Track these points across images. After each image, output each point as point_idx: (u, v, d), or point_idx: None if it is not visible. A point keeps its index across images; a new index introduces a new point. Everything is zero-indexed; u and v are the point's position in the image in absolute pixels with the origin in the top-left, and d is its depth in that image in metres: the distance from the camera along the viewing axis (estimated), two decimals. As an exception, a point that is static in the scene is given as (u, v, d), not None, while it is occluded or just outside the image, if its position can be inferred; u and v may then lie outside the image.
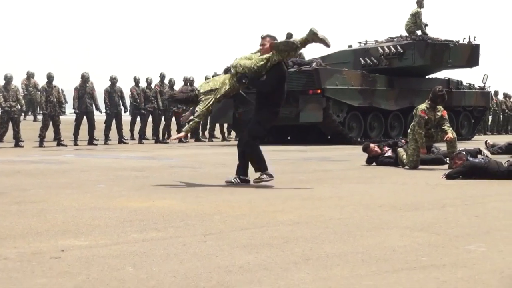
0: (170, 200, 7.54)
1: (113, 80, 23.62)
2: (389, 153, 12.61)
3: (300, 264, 4.38)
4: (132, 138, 26.47)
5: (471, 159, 10.55)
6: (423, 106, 12.05)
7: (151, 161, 14.25)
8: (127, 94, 24.76)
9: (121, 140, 23.83)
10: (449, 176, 10.06)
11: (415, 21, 24.27)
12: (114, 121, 23.57)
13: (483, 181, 9.63)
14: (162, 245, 4.96)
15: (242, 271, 4.19)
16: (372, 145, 12.84)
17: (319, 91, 21.06)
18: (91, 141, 22.51)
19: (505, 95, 35.99)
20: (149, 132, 25.93)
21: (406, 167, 11.94)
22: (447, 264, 4.37)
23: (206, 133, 27.21)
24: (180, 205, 7.12)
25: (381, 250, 4.82)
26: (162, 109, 24.86)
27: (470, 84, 26.76)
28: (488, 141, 17.20)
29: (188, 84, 25.69)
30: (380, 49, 24.28)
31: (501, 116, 35.57)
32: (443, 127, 11.95)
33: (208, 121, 26.73)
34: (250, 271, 4.18)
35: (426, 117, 11.88)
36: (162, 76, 25.34)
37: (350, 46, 25.81)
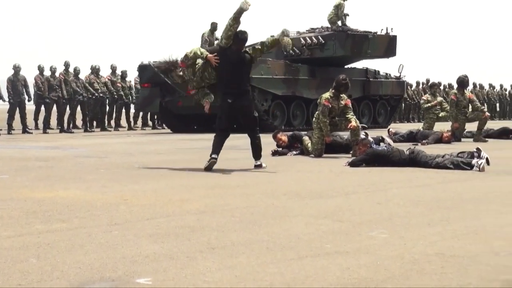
0: (74, 190, 7.46)
1: (17, 69, 23.13)
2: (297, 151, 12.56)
3: (205, 253, 4.41)
4: (36, 127, 26.01)
5: (374, 146, 10.75)
6: (326, 95, 12.20)
7: (55, 151, 14.03)
8: (31, 82, 24.29)
9: (25, 130, 23.38)
10: (352, 164, 10.24)
11: (337, 13, 24.60)
12: (17, 110, 23.11)
13: (386, 168, 9.82)
14: (66, 236, 4.92)
15: (148, 260, 4.19)
16: (279, 134, 12.90)
17: None
18: (-7, 130, 22.04)
19: (407, 84, 36.68)
20: (53, 121, 25.51)
21: (311, 155, 12.08)
22: (350, 251, 4.47)
23: (112, 122, 26.92)
24: (85, 195, 7.05)
25: (286, 238, 4.88)
26: (67, 98, 24.48)
27: (386, 74, 27.42)
28: (390, 129, 17.59)
29: (95, 74, 25.45)
30: (302, 39, 24.62)
31: (403, 104, 36.30)
32: (347, 116, 12.12)
33: (114, 110, 26.48)
34: (156, 261, 4.18)
35: (330, 106, 12.03)
36: (66, 65, 24.93)
37: (272, 36, 25.91)
